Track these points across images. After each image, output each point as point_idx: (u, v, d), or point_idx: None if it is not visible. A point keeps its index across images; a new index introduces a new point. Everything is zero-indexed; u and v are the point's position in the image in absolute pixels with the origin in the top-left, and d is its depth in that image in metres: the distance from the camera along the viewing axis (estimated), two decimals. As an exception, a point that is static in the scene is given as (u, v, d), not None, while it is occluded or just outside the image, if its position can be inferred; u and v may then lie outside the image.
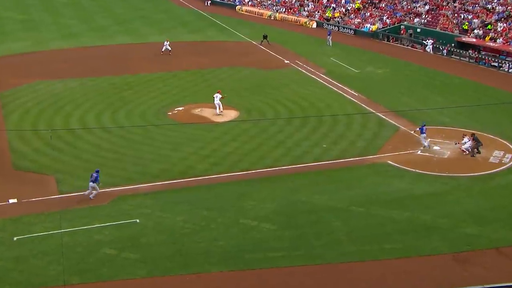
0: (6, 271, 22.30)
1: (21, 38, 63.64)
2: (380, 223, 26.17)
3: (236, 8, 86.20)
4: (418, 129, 35.20)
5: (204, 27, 72.94)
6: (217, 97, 39.97)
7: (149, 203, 27.88)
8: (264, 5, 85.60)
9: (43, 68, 51.77)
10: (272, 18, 79.88)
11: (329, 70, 53.22)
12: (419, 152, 34.27)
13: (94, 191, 28.20)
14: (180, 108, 42.03)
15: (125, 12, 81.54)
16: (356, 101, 44.24)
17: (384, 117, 40.15)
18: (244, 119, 39.34)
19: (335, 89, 47.33)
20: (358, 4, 75.11)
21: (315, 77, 50.83)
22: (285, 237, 25.00)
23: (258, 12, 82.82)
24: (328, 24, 73.41)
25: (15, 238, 24.47)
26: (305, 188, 29.74)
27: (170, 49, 57.04)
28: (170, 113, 40.90)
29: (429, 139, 35.02)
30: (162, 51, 56.92)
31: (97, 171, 28.51)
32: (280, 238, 24.92)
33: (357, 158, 33.58)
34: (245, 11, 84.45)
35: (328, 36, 63.69)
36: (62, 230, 24.72)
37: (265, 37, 61.86)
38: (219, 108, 39.97)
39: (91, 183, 28.09)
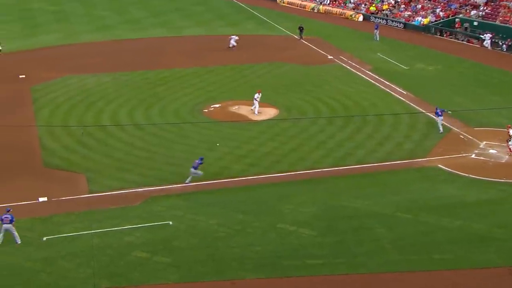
0: (34, 272, 22.95)
1: (52, 30, 65.29)
2: (428, 231, 25.81)
3: (277, 0, 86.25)
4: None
5: (243, 20, 73.27)
6: (257, 97, 39.94)
7: (182, 205, 28.22)
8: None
9: (75, 61, 52.97)
10: (315, 11, 79.64)
11: (376, 66, 52.71)
12: (473, 156, 33.67)
13: (190, 177, 29.96)
14: (216, 105, 42.36)
15: (161, 3, 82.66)
16: (404, 100, 43.72)
17: (434, 117, 39.52)
18: (283, 118, 39.37)
19: (382, 87, 46.87)
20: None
21: (360, 74, 50.45)
22: (325, 243, 24.93)
23: (300, 4, 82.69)
24: (375, 17, 72.71)
25: (44, 238, 25.17)
26: (347, 192, 29.58)
27: (235, 44, 57.01)
28: (205, 111, 41.27)
29: (441, 123, 36.85)
30: (229, 46, 57.09)
31: (201, 159, 30.42)
32: (319, 244, 24.87)
33: (404, 161, 33.19)
34: (287, 3, 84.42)
35: (376, 30, 63.11)
36: (92, 231, 25.30)
37: (300, 29, 61.24)
38: (256, 108, 39.83)
39: (192, 169, 29.95)
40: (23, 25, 66.81)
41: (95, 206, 27.84)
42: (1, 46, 54.66)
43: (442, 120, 37.08)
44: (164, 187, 29.99)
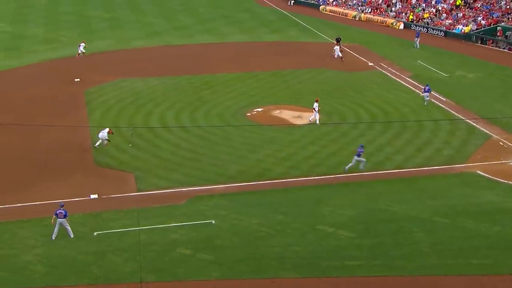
0: (86, 265, 23.49)
1: (107, 36, 66.73)
2: (467, 236, 25.27)
3: (320, 8, 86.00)
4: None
5: (286, 27, 73.30)
6: (316, 106, 39.26)
7: (225, 205, 28.41)
8: (349, 5, 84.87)
9: (126, 66, 53.98)
10: (357, 19, 79.05)
11: (416, 73, 51.95)
12: (512, 163, 32.82)
13: (350, 164, 31.42)
14: (259, 109, 42.51)
15: (207, 11, 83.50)
16: (444, 106, 42.93)
17: (474, 124, 38.73)
18: (324, 122, 39.20)
19: (422, 93, 46.08)
20: (459, 1, 72.46)
21: (400, 81, 49.78)
22: (363, 245, 24.69)
23: (342, 12, 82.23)
24: (416, 25, 71.67)
25: (95, 233, 25.73)
26: (385, 195, 29.24)
27: (340, 54, 55.90)
28: (248, 114, 41.46)
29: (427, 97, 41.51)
30: (337, 56, 55.98)
31: (362, 146, 32.01)
32: (358, 246, 24.65)
33: (443, 167, 32.60)
34: (329, 11, 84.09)
35: (416, 38, 62.21)
36: (139, 228, 25.69)
37: (338, 40, 60.34)
38: (315, 116, 39.05)
39: (356, 157, 31.38)
40: (80, 31, 68.55)
41: (143, 204, 28.28)
42: (84, 48, 56.62)
43: (428, 96, 42.36)
44: (208, 187, 30.26)
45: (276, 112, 41.84)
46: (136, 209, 27.49)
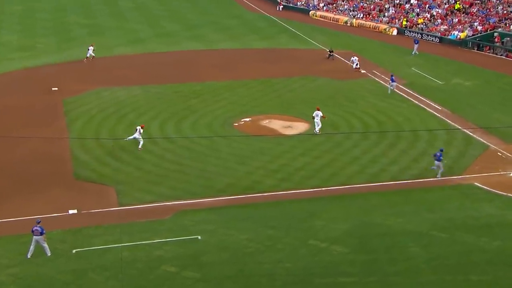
0: (64, 284, 23.16)
1: (86, 43, 66.50)
2: (465, 251, 25.25)
3: (310, 13, 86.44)
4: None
5: (276, 34, 73.57)
6: (318, 115, 39.08)
7: (212, 219, 28.23)
8: (340, 10, 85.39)
9: (107, 74, 53.80)
10: (348, 24, 79.52)
11: (410, 81, 52.22)
12: (511, 174, 32.90)
13: (439, 169, 32.20)
14: (248, 119, 42.46)
15: (194, 17, 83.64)
16: (440, 115, 43.13)
17: (471, 134, 38.91)
18: (313, 133, 39.16)
19: (417, 102, 46.35)
20: (458, 5, 73.06)
21: (394, 89, 49.99)
22: (358, 261, 24.59)
23: (333, 17, 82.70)
24: (410, 31, 72.18)
25: (74, 251, 25.41)
26: (380, 209, 29.20)
27: (358, 65, 55.16)
28: (236, 124, 41.39)
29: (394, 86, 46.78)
30: (356, 68, 55.00)
31: (441, 150, 32.78)
32: (352, 262, 24.54)
33: (440, 178, 32.64)
34: (319, 17, 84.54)
35: (415, 45, 62.61)
36: (121, 244, 25.46)
37: (330, 52, 60.67)
38: (318, 126, 38.98)
39: (437, 162, 32.12)
40: (58, 38, 68.30)
41: (125, 219, 28.01)
42: (94, 51, 57.43)
43: (394, 86, 47.38)
44: (194, 200, 30.07)
45: (266, 122, 41.81)
46: (118, 225, 27.23)
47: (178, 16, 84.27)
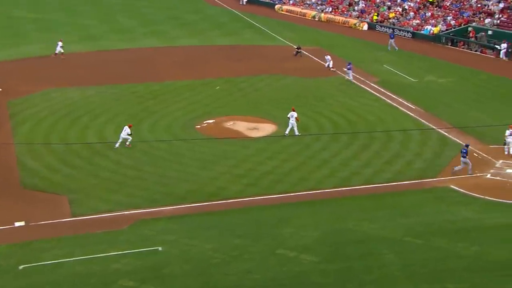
0: (11, 303, 22.67)
1: (34, 40, 65.48)
2: (442, 257, 25.59)
3: (275, 7, 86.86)
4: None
5: (240, 29, 73.65)
6: (293, 116, 39.06)
7: (174, 228, 28.03)
8: (308, 4, 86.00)
9: (57, 73, 53.04)
10: (316, 19, 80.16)
11: (382, 79, 52.88)
12: (488, 176, 33.57)
13: (467, 166, 33.08)
14: (211, 121, 42.35)
15: (152, 12, 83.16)
16: (413, 115, 43.76)
17: (447, 134, 39.56)
18: (284, 134, 39.31)
19: (389, 101, 46.94)
20: (432, -2, 73.97)
21: (365, 87, 50.55)
22: (330, 270, 24.70)
23: (300, 12, 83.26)
24: (381, 26, 73.09)
25: (21, 267, 24.84)
26: (353, 214, 29.42)
27: (331, 66, 55.28)
28: (199, 126, 41.24)
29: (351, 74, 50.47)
30: (330, 68, 55.00)
31: (467, 146, 33.62)
32: (323, 271, 24.63)
33: (414, 181, 33.08)
34: (286, 11, 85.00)
35: (391, 40, 63.47)
36: (75, 258, 25.04)
37: (298, 49, 61.12)
38: (289, 128, 39.05)
39: (462, 159, 33.06)
40: (3, 34, 66.99)
41: (79, 231, 27.63)
42: (62, 47, 57.22)
43: (350, 74, 50.87)
44: (154, 209, 29.82)
45: (230, 124, 41.77)
46: (71, 237, 26.85)
47: (134, 11, 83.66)
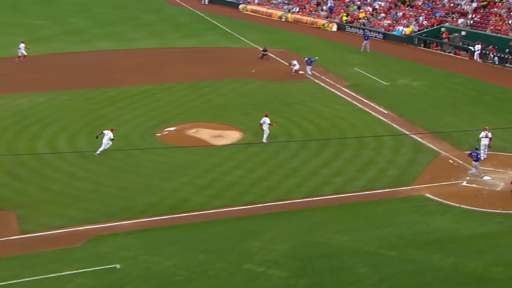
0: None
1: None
2: (417, 270, 25.87)
3: (240, 7, 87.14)
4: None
5: (202, 31, 73.61)
6: (265, 122, 39.16)
7: (133, 244, 27.77)
8: (274, 3, 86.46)
9: (3, 79, 52.24)
10: (283, 20, 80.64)
11: (353, 82, 53.41)
12: (464, 183, 34.08)
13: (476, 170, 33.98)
14: (172, 129, 42.17)
15: (107, 12, 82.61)
16: (386, 120, 44.26)
17: (421, 140, 40.08)
18: (250, 142, 39.36)
19: (361, 106, 47.41)
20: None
21: (336, 92, 50.97)
22: (299, 286, 24.74)
23: (266, 12, 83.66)
24: (351, 27, 73.84)
25: (-38, 291, 24.40)
26: (324, 226, 29.55)
27: (297, 68, 55.47)
28: (159, 135, 41.03)
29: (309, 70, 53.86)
30: (295, 71, 54.99)
31: (476, 148, 34.77)
32: (293, 287, 24.71)
33: (388, 190, 33.40)
34: (251, 11, 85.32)
35: (365, 41, 64.14)
36: (24, 279, 24.59)
37: (264, 52, 61.48)
38: (266, 134, 39.14)
39: (474, 162, 33.96)
40: None
41: (28, 249, 27.16)
42: (26, 49, 56.91)
43: (310, 69, 54.25)
44: (111, 224, 29.51)
45: (193, 131, 41.65)
46: (20, 256, 26.41)
47: (88, 11, 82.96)
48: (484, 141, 36.84)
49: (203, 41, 68.85)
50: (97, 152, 36.78)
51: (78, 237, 28.27)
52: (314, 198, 32.40)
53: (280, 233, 28.78)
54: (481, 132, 37.04)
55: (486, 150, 36.82)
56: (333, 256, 26.85)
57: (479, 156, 34.43)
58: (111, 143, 37.15)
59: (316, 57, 55.55)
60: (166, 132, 41.54)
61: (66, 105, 46.54)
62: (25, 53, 57.16)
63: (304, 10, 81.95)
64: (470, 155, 34.59)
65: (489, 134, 36.82)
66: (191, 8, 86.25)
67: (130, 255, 26.81)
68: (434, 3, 73.28)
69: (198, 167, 35.83)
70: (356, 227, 29.52)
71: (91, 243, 27.87)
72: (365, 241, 27.98)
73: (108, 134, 37.20)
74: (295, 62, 55.74)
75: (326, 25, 76.18)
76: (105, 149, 37.01)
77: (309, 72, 54.22)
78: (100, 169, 35.44)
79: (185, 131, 41.79)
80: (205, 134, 41.20)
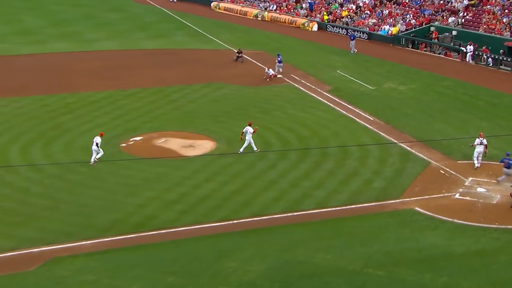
0: None
1: None
2: (407, 291, 26.10)
3: (212, 5, 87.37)
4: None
5: (171, 31, 73.59)
6: (248, 131, 39.15)
7: (94, 267, 27.63)
8: (249, 1, 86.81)
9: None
10: (259, 18, 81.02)
11: (336, 86, 53.77)
12: (457, 196, 34.42)
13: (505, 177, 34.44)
14: (138, 139, 42.10)
15: (63, 9, 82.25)
16: (371, 127, 44.60)
17: (409, 148, 40.45)
18: (224, 152, 39.39)
19: (344, 112, 47.74)
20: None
21: (317, 97, 51.29)
22: (279, 311, 24.84)
23: (240, 10, 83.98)
24: (333, 26, 74.37)
25: None
26: (305, 243, 29.65)
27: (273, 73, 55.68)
28: (124, 145, 40.93)
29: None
30: (271, 76, 55.14)
31: (508, 154, 35.04)
32: (272, 312, 24.77)
33: (374, 204, 33.62)
34: (224, 9, 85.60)
35: (352, 41, 64.67)
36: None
37: (239, 54, 61.83)
38: (250, 145, 39.19)
39: (505, 169, 34.81)
40: None
41: (-22, 273, 26.90)
42: None
43: (280, 67, 55.90)
44: (70, 244, 29.30)
45: (161, 141, 41.62)
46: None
47: (41, 8, 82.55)
48: (479, 149, 37.26)
49: (172, 42, 68.81)
50: (91, 162, 37.36)
51: (33, 259, 28.02)
52: (294, 213, 32.49)
53: (257, 252, 28.82)
54: (475, 139, 37.49)
55: (480, 158, 37.29)
56: (315, 277, 26.94)
57: (511, 162, 34.93)
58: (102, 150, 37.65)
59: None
60: (132, 142, 41.45)
61: (19, 112, 46.22)
62: None
63: (282, 8, 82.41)
64: (502, 161, 35.38)
65: (484, 141, 37.24)
66: (158, 6, 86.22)
67: (90, 279, 26.65)
68: (422, 0, 74.09)
69: (166, 180, 35.78)
70: (340, 244, 29.66)
71: (47, 266, 27.65)
72: (350, 260, 28.13)
73: (96, 141, 37.61)
74: (269, 71, 55.64)
75: (306, 25, 76.67)
76: (97, 158, 37.57)
77: (280, 70, 55.75)
78: (58, 183, 35.23)
79: (152, 141, 41.72)
80: (175, 144, 41.18)
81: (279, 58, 56.09)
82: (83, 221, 31.30)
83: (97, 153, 37.55)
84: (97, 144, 37.44)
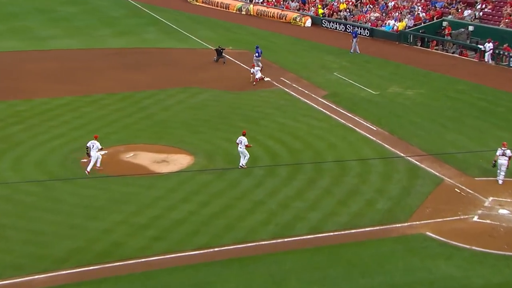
0: None
1: None
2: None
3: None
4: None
5: (140, 27, 73.65)
6: (242, 142, 39.19)
7: (50, 304, 27.50)
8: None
9: None
10: (243, 13, 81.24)
11: (333, 91, 53.88)
12: (475, 219, 34.41)
13: None
14: (102, 153, 41.91)
15: (10, 1, 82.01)
16: (374, 138, 44.69)
17: (418, 163, 40.51)
18: (202, 168, 39.34)
19: (342, 120, 47.84)
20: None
21: (311, 103, 51.37)
22: None
23: (221, 3, 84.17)
24: (329, 21, 74.61)
25: None
26: (297, 274, 29.58)
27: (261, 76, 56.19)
28: (85, 161, 40.76)
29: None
30: (258, 78, 55.71)
31: None
32: None
33: (377, 228, 33.61)
34: (202, 2, 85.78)
35: (354, 39, 64.81)
36: None
37: (219, 52, 61.89)
38: (244, 159, 39.37)
39: None
40: None
41: None
42: None
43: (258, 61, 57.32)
44: (20, 279, 29.03)
45: (129, 156, 41.55)
46: None
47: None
48: (502, 160, 37.24)
49: (142, 40, 68.80)
50: (88, 170, 38.43)
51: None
52: (284, 239, 32.42)
53: (242, 285, 28.76)
54: (497, 150, 37.49)
55: (503, 173, 37.25)
56: (310, 313, 26.93)
57: None
58: (100, 155, 38.67)
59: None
60: (94, 157, 41.34)
61: (-38, 123, 46.07)
62: None
63: (269, 0, 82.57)
64: None
65: (508, 152, 37.12)
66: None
67: (46, 318, 26.54)
68: (433, -10, 74.48)
69: (136, 201, 35.64)
70: (338, 275, 29.62)
71: (-6, 304, 27.53)
72: (350, 294, 28.13)
73: (95, 145, 38.48)
74: (255, 70, 55.93)
75: (297, 20, 76.93)
76: (98, 165, 38.65)
77: (259, 65, 57.03)
78: (5, 206, 34.95)
79: (119, 156, 41.63)
80: (146, 158, 41.10)
81: (258, 51, 57.28)
82: (36, 251, 31.06)
83: (99, 159, 38.47)
84: (97, 148, 38.43)
